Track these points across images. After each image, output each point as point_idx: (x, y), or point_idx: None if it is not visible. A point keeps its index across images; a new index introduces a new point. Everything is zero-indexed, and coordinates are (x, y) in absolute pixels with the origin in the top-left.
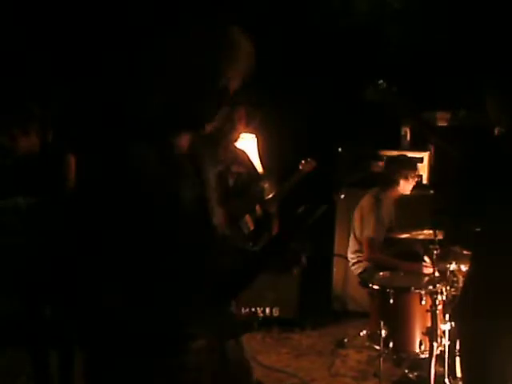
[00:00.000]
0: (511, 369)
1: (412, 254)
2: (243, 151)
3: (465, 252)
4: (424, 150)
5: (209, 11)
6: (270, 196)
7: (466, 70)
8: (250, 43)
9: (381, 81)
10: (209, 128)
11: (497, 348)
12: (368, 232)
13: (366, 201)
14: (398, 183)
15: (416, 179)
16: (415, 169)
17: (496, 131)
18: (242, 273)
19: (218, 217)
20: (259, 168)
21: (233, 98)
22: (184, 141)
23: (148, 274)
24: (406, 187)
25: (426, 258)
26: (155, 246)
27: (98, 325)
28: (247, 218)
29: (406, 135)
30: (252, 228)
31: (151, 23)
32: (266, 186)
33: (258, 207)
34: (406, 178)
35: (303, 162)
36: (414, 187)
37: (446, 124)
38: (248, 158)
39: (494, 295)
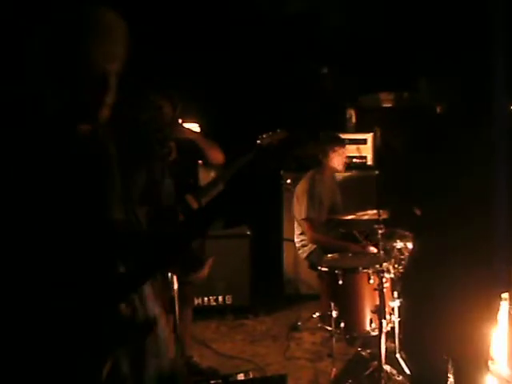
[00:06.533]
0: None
1: (351, 236)
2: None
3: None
4: (368, 131)
5: None
6: (208, 182)
7: (406, 53)
8: (123, 25)
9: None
10: (103, 117)
11: (429, 324)
12: (304, 213)
13: (300, 184)
14: (322, 161)
15: (343, 153)
16: (336, 143)
17: (438, 109)
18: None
19: (134, 213)
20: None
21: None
22: (84, 135)
23: (46, 280)
24: (333, 162)
25: (363, 240)
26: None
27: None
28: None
29: (351, 118)
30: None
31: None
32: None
33: (190, 197)
34: (327, 154)
35: (263, 135)
36: (356, 166)
37: (390, 105)
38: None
39: (426, 275)
